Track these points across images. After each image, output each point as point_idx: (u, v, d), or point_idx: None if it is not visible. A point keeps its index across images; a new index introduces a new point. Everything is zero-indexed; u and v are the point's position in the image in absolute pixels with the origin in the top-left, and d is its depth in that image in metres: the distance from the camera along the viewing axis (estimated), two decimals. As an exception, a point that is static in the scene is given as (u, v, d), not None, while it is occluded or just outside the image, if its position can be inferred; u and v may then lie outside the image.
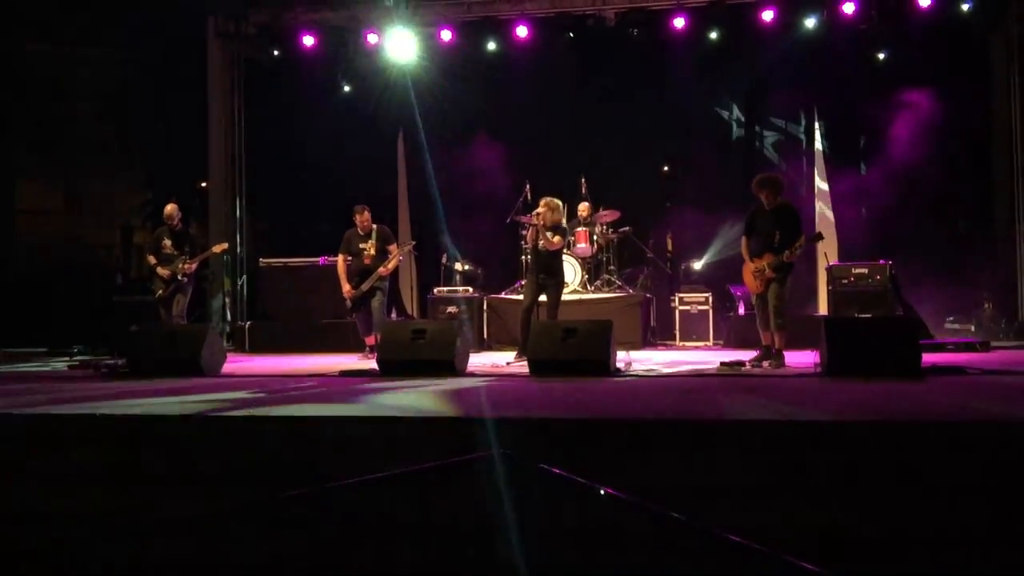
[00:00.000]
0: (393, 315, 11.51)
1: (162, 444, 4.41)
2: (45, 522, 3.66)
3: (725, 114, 12.61)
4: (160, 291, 9.89)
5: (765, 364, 7.75)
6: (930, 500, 3.45)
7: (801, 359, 7.84)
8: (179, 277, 9.85)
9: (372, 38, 12.86)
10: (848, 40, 12.06)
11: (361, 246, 9.53)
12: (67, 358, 10.17)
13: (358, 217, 9.58)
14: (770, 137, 12.23)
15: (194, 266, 9.98)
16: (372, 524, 3.48)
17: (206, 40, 13.51)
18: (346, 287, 9.47)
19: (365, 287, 9.42)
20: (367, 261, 9.48)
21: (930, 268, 11.06)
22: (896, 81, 11.99)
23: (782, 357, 7.80)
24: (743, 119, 12.65)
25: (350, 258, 9.56)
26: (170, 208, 10.11)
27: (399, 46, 12.76)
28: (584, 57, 12.84)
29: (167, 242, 9.99)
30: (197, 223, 14.45)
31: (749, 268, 7.99)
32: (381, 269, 9.47)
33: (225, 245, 10.46)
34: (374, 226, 9.63)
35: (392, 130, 13.78)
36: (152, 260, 10.04)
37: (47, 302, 13.67)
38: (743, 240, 8.14)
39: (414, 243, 11.12)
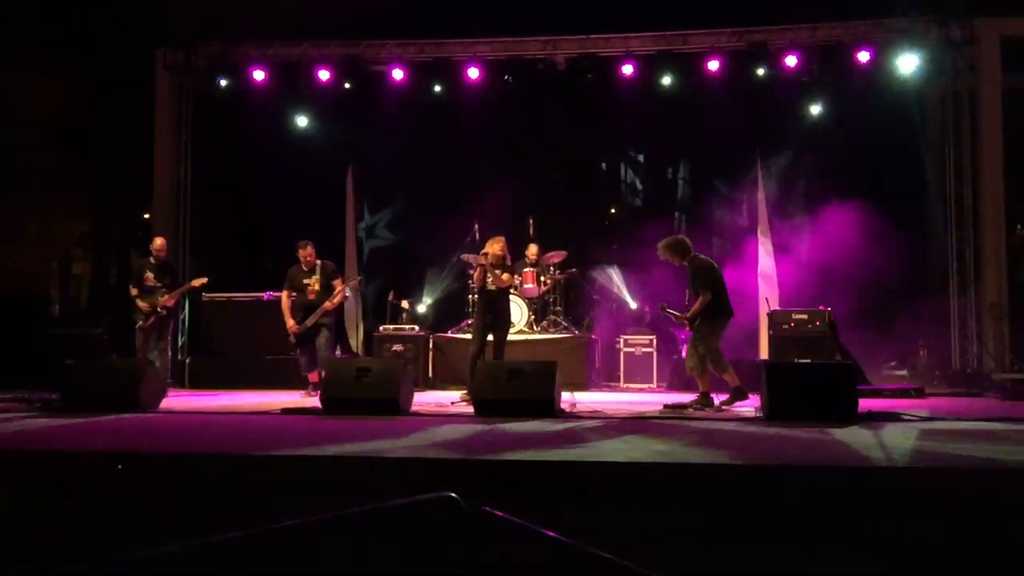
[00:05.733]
0: (338, 353, 11.40)
1: (91, 482, 4.29)
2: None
3: (671, 158, 12.83)
4: (140, 322, 9.86)
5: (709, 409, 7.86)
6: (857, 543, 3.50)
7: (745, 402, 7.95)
8: (158, 310, 9.85)
9: (323, 74, 12.87)
10: (790, 93, 12.42)
11: (305, 281, 9.46)
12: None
13: (301, 252, 9.52)
14: (716, 182, 12.46)
15: (173, 300, 10.02)
16: (308, 570, 3.41)
17: (154, 72, 13.38)
18: (290, 323, 9.37)
19: (310, 322, 9.34)
20: (311, 296, 9.41)
21: (868, 315, 11.30)
22: (837, 133, 12.33)
23: (708, 399, 7.98)
24: (689, 164, 12.88)
25: (294, 294, 9.48)
26: (160, 242, 10.19)
27: (350, 83, 12.80)
28: (535, 100, 12.99)
29: (149, 275, 9.98)
30: (138, 256, 14.19)
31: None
32: (327, 304, 9.40)
33: (204, 280, 10.32)
34: (318, 261, 9.57)
35: (341, 167, 13.73)
36: (134, 291, 9.98)
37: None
38: None
39: (360, 278, 11.00)
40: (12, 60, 15.76)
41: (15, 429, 5.94)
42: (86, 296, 18.55)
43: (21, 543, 3.72)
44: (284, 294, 9.51)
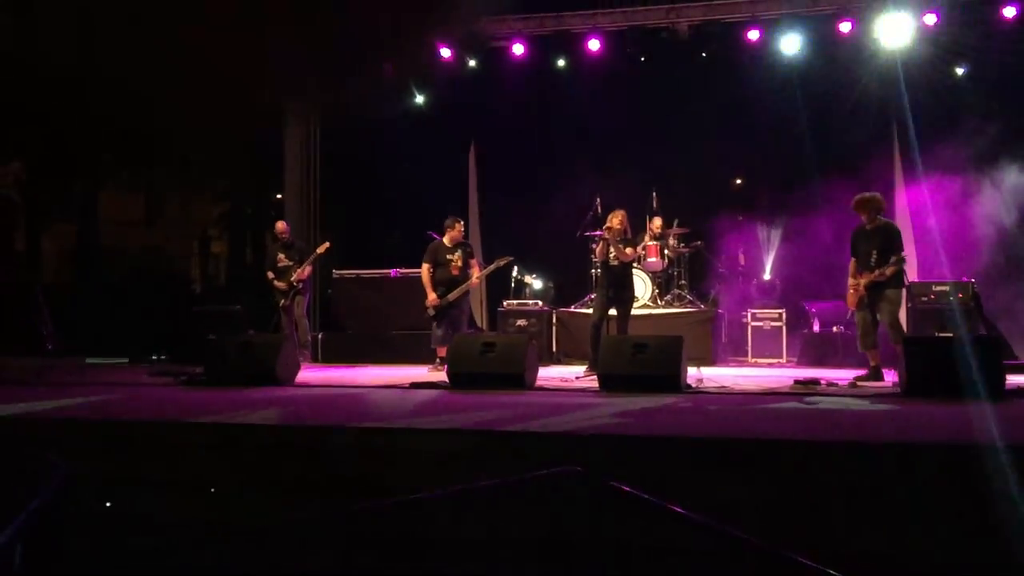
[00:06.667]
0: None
1: (238, 452, 4.49)
2: (123, 527, 3.76)
3: (799, 126, 12.40)
4: (282, 301, 10.50)
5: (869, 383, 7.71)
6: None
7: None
8: (295, 284, 10.44)
9: (445, 51, 12.99)
10: (927, 52, 11.77)
11: (448, 257, 9.62)
12: (147, 366, 10.45)
13: (453, 228, 9.70)
14: (847, 150, 11.96)
15: (306, 272, 10.55)
16: (440, 539, 3.49)
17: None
18: (432, 296, 9.53)
19: (452, 297, 9.52)
20: (455, 272, 9.58)
21: (1014, 286, 10.69)
22: (981, 94, 11.64)
23: (879, 374, 7.87)
24: (819, 131, 12.40)
25: (434, 269, 9.64)
26: (281, 225, 10.89)
27: (472, 60, 12.91)
28: (656, 70, 12.78)
29: (281, 255, 10.60)
30: (272, 235, 14.73)
31: (849, 285, 8.15)
32: (474, 281, 9.66)
33: (327, 244, 10.76)
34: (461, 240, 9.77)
35: (463, 142, 13.88)
36: (270, 275, 10.64)
37: (127, 311, 14.05)
38: (851, 259, 8.24)
39: (511, 259, 10.80)
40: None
41: (163, 401, 6.28)
42: (224, 274, 19.40)
43: (168, 508, 3.94)
44: (426, 267, 9.64)
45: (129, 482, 4.21)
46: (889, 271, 7.77)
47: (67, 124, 14.97)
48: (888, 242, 7.87)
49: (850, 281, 8.14)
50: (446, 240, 9.68)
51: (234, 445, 4.55)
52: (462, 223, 9.78)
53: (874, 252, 7.90)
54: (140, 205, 19.08)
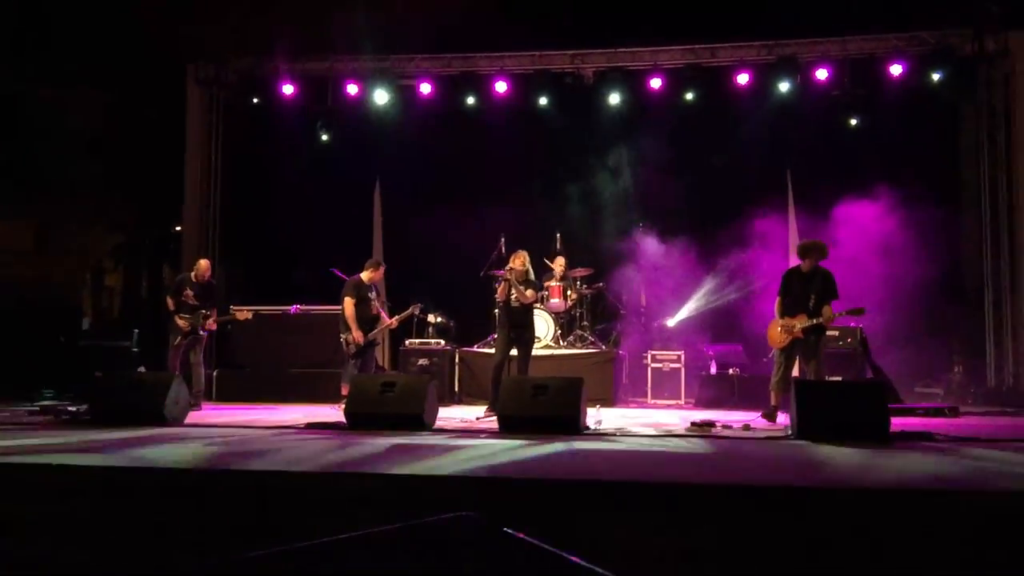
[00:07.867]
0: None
1: (115, 497, 4.29)
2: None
3: (699, 172, 12.76)
4: (179, 338, 9.79)
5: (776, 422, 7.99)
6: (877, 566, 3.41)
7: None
8: (199, 332, 9.82)
9: (352, 88, 12.94)
10: (821, 106, 12.31)
11: (369, 295, 9.57)
12: (29, 403, 9.95)
13: (377, 271, 9.71)
14: (744, 196, 12.34)
15: (215, 326, 10.02)
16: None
17: (185, 85, 13.52)
18: (358, 333, 9.40)
19: (372, 336, 9.50)
20: (374, 311, 9.51)
21: (900, 332, 11.12)
22: (868, 147, 12.19)
23: (775, 415, 8.28)
24: (718, 179, 12.77)
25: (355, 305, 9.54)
26: (204, 264, 10.11)
27: (378, 97, 12.87)
28: (562, 114, 12.97)
29: (189, 292, 9.90)
30: (170, 267, 14.33)
31: (777, 324, 8.36)
32: (395, 321, 9.81)
33: (250, 315, 10.33)
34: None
35: (368, 180, 13.79)
36: (171, 305, 9.90)
37: (13, 344, 13.39)
38: (777, 299, 8.47)
39: (420, 306, 10.76)
40: (49, 73, 15.98)
41: (36, 442, 5.98)
42: (117, 308, 18.72)
43: (41, 556, 3.71)
44: (350, 302, 9.47)
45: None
46: (826, 318, 8.06)
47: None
48: (828, 287, 8.16)
49: (780, 321, 8.33)
50: (365, 279, 9.58)
51: (114, 489, 4.34)
52: (384, 268, 9.75)
53: (812, 296, 8.15)
54: (29, 234, 18.29)
